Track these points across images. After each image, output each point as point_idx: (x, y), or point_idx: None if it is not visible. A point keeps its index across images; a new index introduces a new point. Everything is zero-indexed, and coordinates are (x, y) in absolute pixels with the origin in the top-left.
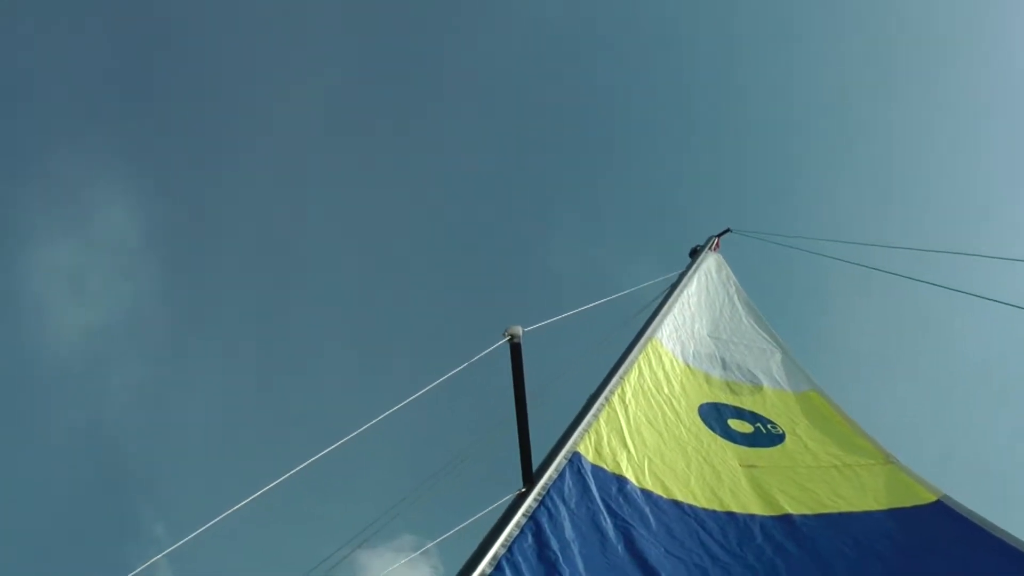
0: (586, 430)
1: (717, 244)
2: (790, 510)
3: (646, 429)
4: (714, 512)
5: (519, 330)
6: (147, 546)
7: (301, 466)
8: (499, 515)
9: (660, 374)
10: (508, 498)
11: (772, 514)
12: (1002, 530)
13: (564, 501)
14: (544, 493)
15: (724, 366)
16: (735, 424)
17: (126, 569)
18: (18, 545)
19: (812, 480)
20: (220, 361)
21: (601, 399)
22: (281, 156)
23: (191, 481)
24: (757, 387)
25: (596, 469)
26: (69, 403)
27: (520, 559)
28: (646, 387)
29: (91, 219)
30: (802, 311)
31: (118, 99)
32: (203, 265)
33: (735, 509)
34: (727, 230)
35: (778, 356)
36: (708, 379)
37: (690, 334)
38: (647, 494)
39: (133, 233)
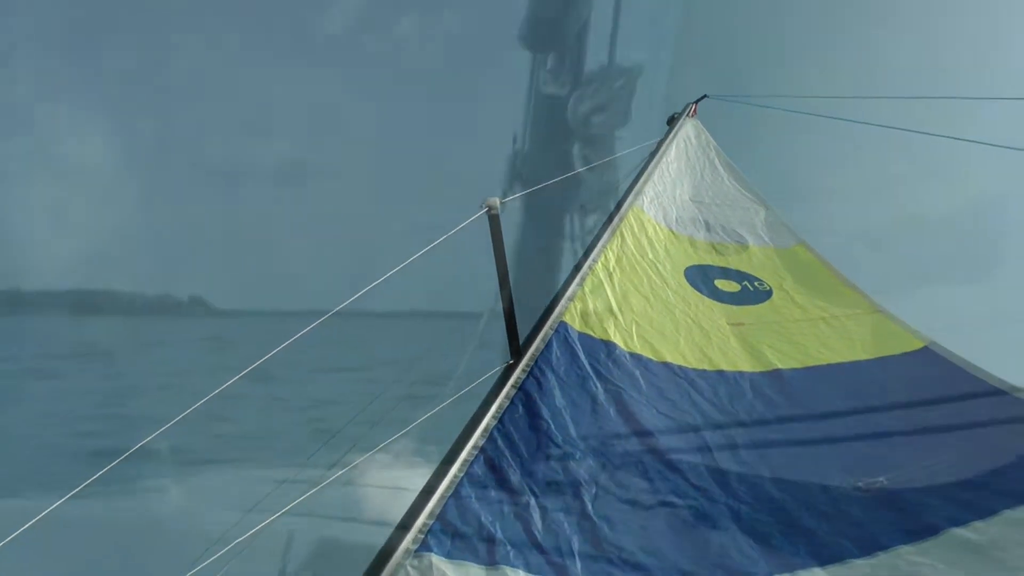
0: (571, 300)
1: (694, 111)
2: (779, 365)
3: (632, 295)
4: (704, 371)
5: (496, 201)
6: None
7: (278, 348)
8: (488, 389)
9: (644, 240)
10: (496, 371)
11: (761, 370)
12: (986, 372)
13: (553, 370)
14: (532, 364)
15: (708, 228)
16: (722, 284)
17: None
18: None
19: (800, 334)
20: None
21: (585, 268)
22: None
23: None
24: (743, 246)
25: (583, 336)
26: None
27: (512, 429)
28: (630, 254)
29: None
30: (784, 176)
31: None
32: None
33: (725, 367)
34: (704, 96)
35: (762, 214)
36: (693, 242)
37: (672, 200)
38: (636, 357)
39: None
